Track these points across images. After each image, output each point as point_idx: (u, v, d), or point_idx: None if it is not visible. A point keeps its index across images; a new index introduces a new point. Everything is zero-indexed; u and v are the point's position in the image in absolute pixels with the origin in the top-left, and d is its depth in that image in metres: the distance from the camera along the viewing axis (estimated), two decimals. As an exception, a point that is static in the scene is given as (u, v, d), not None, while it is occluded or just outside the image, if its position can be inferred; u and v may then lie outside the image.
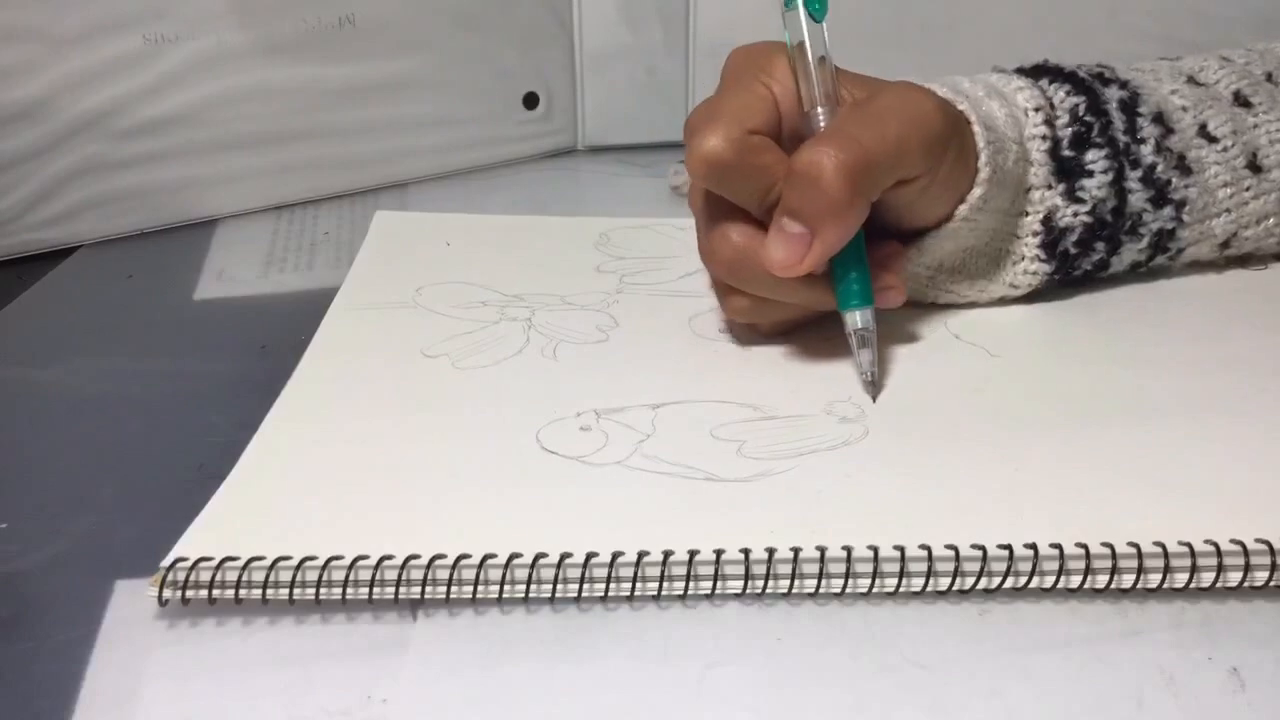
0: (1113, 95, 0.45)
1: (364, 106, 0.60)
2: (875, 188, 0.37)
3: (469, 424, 0.37)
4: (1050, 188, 0.43)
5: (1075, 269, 0.45)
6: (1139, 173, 0.44)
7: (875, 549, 0.30)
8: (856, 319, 0.39)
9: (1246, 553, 0.29)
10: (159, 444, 0.38)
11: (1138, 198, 0.44)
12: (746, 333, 0.42)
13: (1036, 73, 0.46)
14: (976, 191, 0.40)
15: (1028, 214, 0.43)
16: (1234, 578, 0.29)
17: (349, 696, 0.27)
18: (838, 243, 0.37)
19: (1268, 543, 0.29)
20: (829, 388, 0.39)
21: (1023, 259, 0.44)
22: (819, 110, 0.38)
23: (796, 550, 0.30)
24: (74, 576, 0.32)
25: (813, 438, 0.36)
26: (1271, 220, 0.47)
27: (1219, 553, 0.29)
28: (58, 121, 0.53)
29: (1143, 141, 0.44)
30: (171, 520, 0.31)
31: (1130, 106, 0.45)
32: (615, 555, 0.30)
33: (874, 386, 0.39)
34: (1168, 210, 0.45)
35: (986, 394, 0.38)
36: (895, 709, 0.27)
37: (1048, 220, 0.43)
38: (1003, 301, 0.44)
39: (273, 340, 0.45)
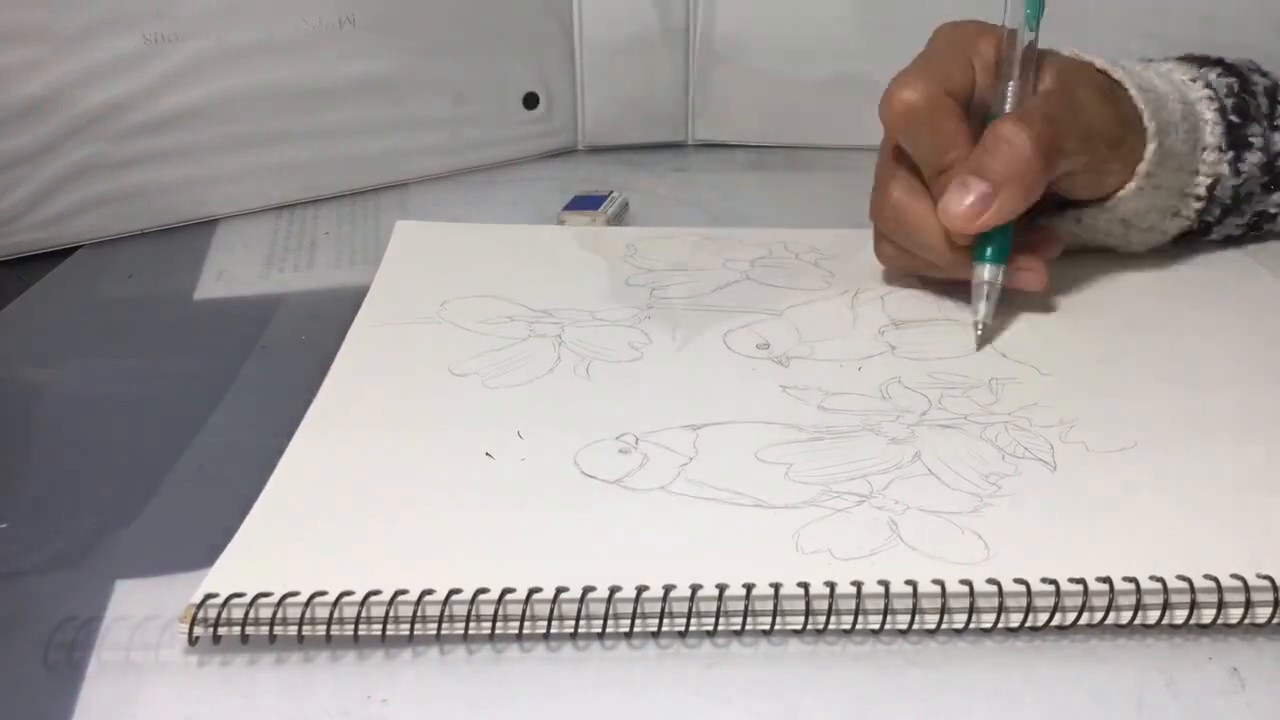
0: (1259, 81, 0.48)
1: (364, 106, 0.60)
2: (1062, 166, 0.41)
3: (504, 447, 0.35)
4: (1223, 150, 0.46)
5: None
6: (1266, 158, 0.47)
7: (942, 582, 0.28)
8: (984, 272, 0.42)
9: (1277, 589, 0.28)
10: (159, 444, 0.38)
11: (1255, 181, 0.47)
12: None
13: (1181, 60, 0.49)
14: (1133, 183, 0.43)
15: (1199, 173, 0.46)
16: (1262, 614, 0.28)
17: (349, 696, 0.27)
18: (1015, 209, 0.41)
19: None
20: (874, 405, 0.38)
21: (1178, 214, 0.47)
22: (1011, 84, 0.42)
23: (859, 585, 0.28)
24: (74, 576, 0.31)
25: (863, 460, 0.34)
26: None
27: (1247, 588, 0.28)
28: (58, 121, 0.53)
29: (1278, 129, 0.47)
30: (171, 520, 0.31)
31: (1273, 94, 0.48)
32: (667, 589, 0.28)
33: (981, 338, 0.42)
34: (1276, 196, 0.48)
35: (1039, 417, 0.37)
36: (895, 709, 0.27)
37: (1213, 188, 0.46)
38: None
39: (272, 340, 0.45)
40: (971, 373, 0.40)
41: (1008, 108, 0.42)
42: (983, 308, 0.42)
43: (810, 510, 0.32)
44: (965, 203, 0.40)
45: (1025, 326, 0.44)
